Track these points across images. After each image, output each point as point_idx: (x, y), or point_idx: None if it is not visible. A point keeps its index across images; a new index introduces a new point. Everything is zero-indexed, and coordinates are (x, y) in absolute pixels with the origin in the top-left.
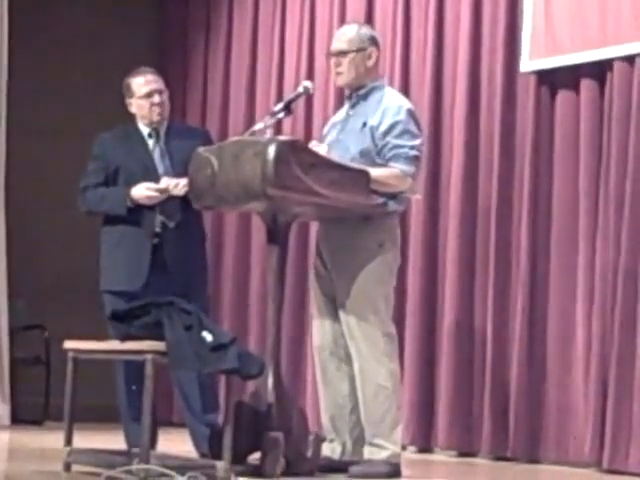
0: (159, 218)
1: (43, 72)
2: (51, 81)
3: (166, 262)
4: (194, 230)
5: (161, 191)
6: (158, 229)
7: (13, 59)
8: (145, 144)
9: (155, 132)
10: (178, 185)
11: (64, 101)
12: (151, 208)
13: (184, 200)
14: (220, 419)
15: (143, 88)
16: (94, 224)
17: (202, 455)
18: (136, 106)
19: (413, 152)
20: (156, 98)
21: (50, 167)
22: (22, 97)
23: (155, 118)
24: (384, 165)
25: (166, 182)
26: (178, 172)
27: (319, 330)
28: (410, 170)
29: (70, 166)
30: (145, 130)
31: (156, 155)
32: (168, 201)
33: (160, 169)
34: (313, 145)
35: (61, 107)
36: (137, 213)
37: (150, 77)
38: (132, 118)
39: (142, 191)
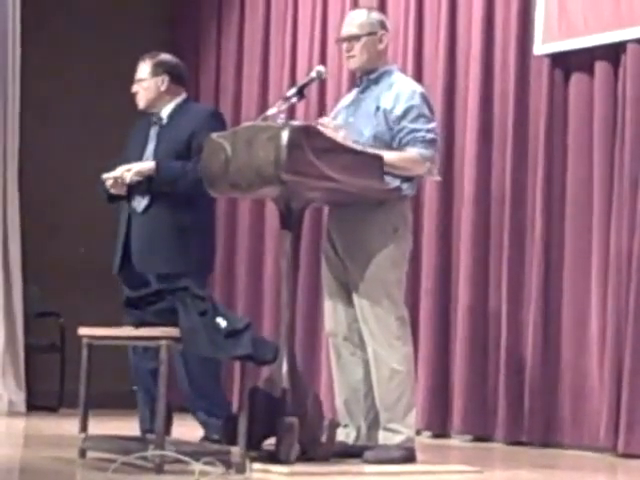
0: (129, 204)
1: (56, 56)
2: (64, 65)
3: (131, 248)
4: (162, 216)
5: (114, 179)
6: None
7: (26, 44)
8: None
9: (155, 116)
10: (130, 171)
11: (78, 86)
12: (128, 195)
13: (151, 185)
14: (221, 407)
15: None
16: (109, 210)
17: (213, 440)
18: None
19: (430, 135)
20: (134, 87)
21: (65, 152)
22: (36, 82)
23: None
24: (400, 149)
25: (121, 170)
26: (160, 157)
27: (331, 315)
28: (428, 153)
29: (85, 151)
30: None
31: (150, 139)
32: (136, 187)
33: (146, 154)
34: (326, 122)
35: (75, 92)
36: (120, 200)
37: (139, 64)
38: None
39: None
